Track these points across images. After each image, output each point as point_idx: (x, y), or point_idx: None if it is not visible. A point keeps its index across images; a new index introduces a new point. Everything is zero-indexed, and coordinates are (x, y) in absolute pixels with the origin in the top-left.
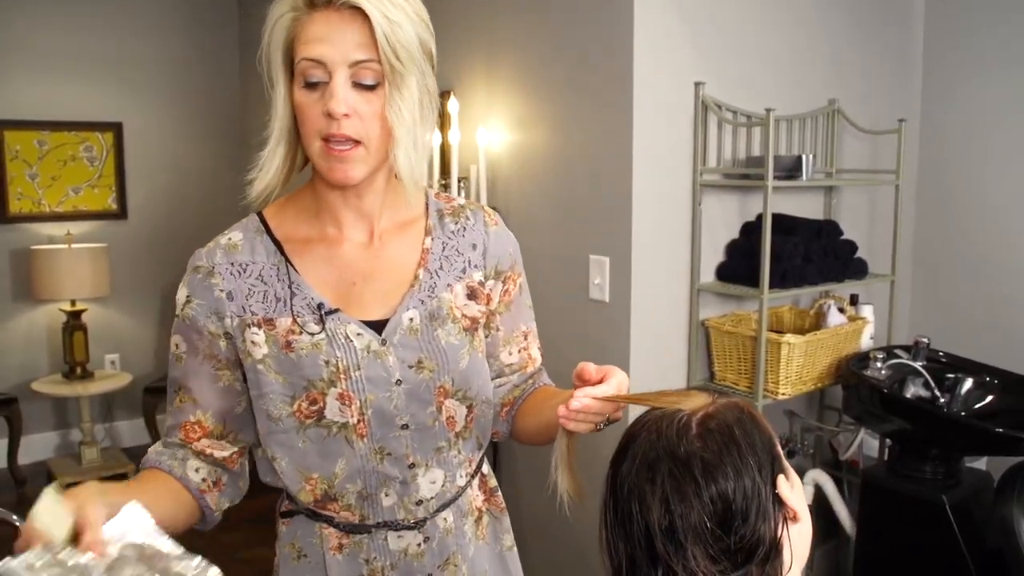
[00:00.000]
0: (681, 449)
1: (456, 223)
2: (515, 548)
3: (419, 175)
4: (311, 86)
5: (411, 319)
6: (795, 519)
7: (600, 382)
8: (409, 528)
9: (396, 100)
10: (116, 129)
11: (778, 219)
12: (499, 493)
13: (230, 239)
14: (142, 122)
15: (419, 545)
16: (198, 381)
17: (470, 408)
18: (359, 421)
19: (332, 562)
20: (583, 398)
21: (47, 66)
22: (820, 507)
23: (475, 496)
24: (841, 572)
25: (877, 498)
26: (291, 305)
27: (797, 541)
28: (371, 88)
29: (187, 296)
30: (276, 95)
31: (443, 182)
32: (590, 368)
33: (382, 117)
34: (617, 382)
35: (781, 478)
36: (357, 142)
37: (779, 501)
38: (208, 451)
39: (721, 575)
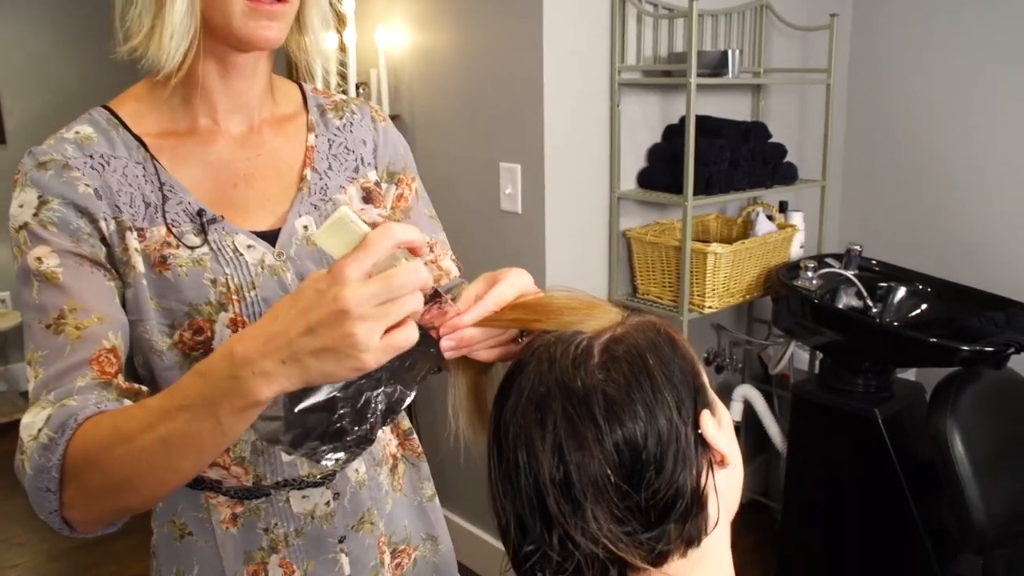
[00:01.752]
0: (578, 382)
1: (340, 118)
2: (436, 498)
3: (326, 50)
4: None
5: (305, 227)
6: (723, 463)
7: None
8: (315, 485)
9: None
10: None
11: (703, 121)
12: (414, 436)
13: (79, 132)
14: (10, 41)
15: (328, 504)
16: (95, 295)
17: None
18: None
19: (225, 538)
20: (453, 334)
21: None
22: (750, 423)
23: (388, 441)
24: (771, 488)
25: (808, 412)
26: (163, 212)
27: (726, 490)
28: None
29: (39, 197)
30: None
31: (340, 88)
32: (471, 294)
33: None
34: (499, 294)
35: (705, 415)
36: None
37: (703, 443)
38: (136, 389)
39: (629, 537)
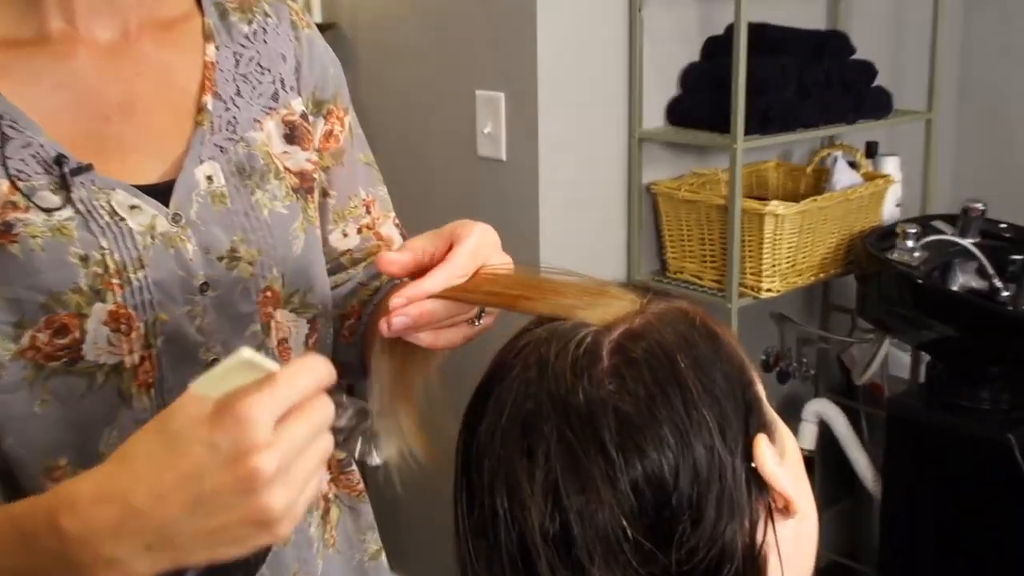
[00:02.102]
0: (580, 396)
1: (250, 24)
2: (383, 555)
3: None
4: None
5: (209, 177)
6: (787, 511)
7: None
8: None
9: None
10: None
11: (759, 31)
12: (353, 468)
13: None
14: None
15: None
16: None
17: (312, 323)
18: (143, 360)
19: None
20: (409, 306)
21: None
22: (828, 453)
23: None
24: (860, 546)
25: (910, 439)
26: (3, 158)
27: (793, 550)
28: None
29: None
30: None
31: None
32: (416, 246)
33: None
34: (468, 252)
35: (762, 440)
36: None
37: (758, 482)
38: None
39: None
